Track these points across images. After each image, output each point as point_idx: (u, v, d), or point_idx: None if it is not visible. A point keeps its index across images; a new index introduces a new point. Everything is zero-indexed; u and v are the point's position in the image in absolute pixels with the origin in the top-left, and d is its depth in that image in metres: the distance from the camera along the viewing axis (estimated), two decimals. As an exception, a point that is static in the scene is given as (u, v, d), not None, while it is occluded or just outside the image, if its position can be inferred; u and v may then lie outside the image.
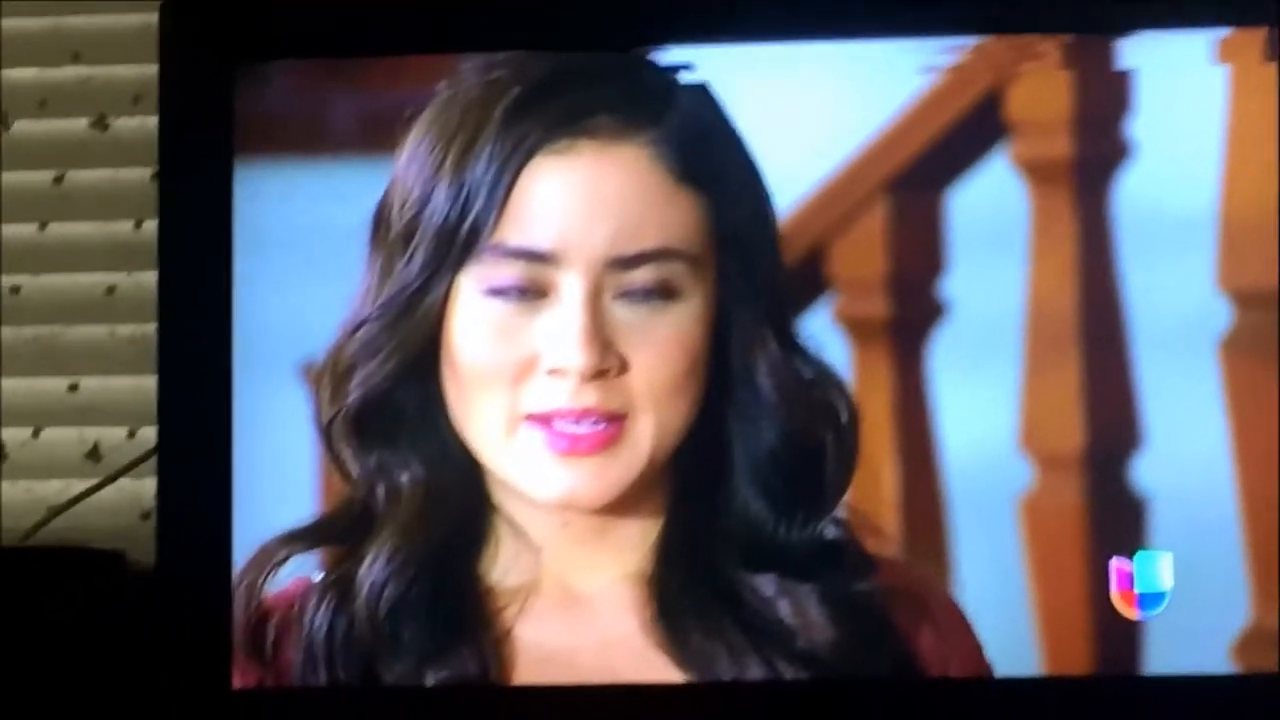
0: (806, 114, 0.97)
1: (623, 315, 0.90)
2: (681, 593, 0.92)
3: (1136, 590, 0.95)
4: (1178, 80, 0.96)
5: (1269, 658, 0.92)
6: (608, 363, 0.90)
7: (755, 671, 0.91)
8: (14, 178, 1.31)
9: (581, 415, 0.90)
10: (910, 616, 0.93)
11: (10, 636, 0.98)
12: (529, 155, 0.91)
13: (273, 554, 0.95)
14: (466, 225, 0.90)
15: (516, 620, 0.93)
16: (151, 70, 1.00)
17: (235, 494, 0.97)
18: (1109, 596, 0.95)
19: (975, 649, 0.94)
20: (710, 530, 0.93)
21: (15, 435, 1.28)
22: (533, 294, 0.90)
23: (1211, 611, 0.93)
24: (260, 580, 0.95)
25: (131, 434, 1.25)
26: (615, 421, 0.90)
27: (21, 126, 1.32)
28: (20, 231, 1.31)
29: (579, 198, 0.91)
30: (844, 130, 0.97)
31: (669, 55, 0.96)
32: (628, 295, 0.90)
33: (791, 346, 0.94)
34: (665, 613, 0.92)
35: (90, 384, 1.28)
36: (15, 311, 1.30)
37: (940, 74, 0.97)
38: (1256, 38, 0.95)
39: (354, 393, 0.92)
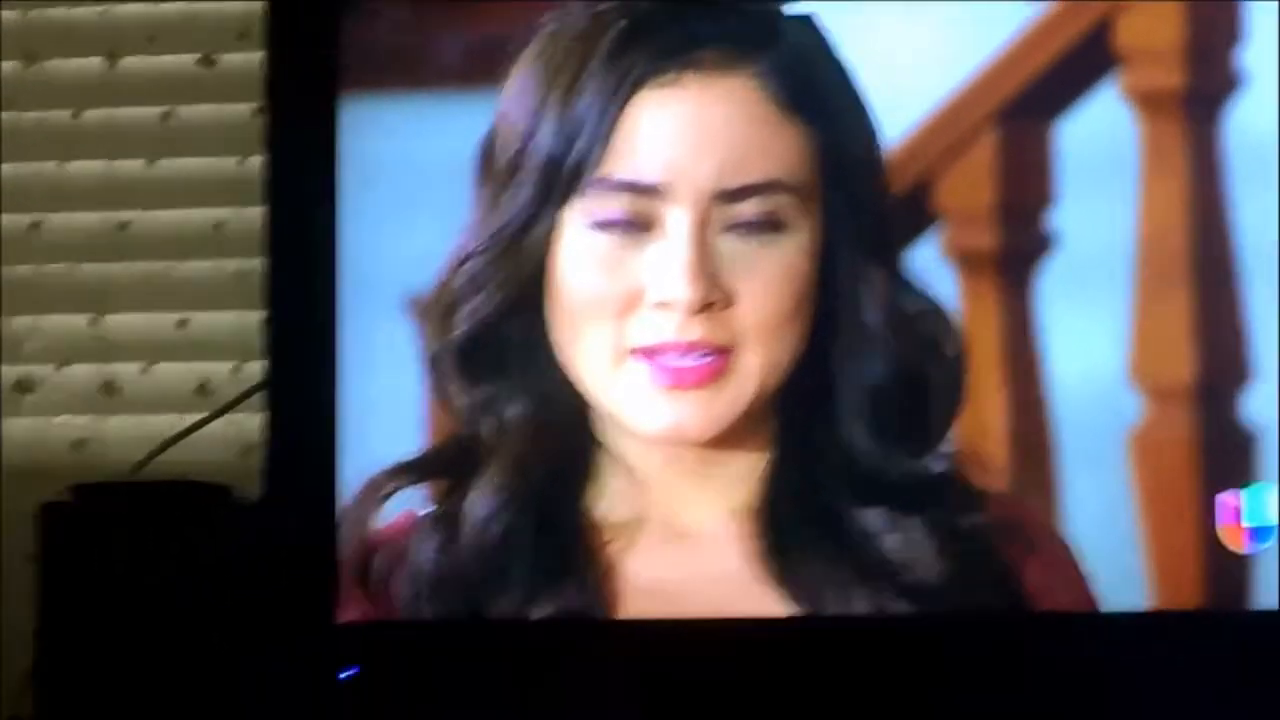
0: (913, 44, 0.96)
1: (729, 248, 0.90)
2: (789, 527, 0.92)
3: (1245, 524, 0.94)
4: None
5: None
6: (714, 296, 0.89)
7: (862, 605, 0.91)
8: (123, 114, 1.33)
9: (688, 349, 0.90)
10: (1018, 550, 0.93)
11: (119, 567, 0.99)
12: (635, 88, 0.90)
13: (380, 487, 0.95)
14: (572, 158, 0.90)
15: (623, 554, 0.94)
16: (257, 6, 1.00)
17: (341, 428, 0.98)
18: (1216, 531, 0.94)
19: (1081, 583, 0.93)
20: (817, 464, 0.93)
21: (126, 370, 1.30)
22: (638, 227, 0.90)
23: (1323, 546, 0.92)
24: (367, 514, 0.96)
25: (236, 369, 1.26)
26: (722, 355, 0.90)
27: (129, 63, 1.34)
28: (129, 167, 1.33)
29: (685, 130, 0.91)
30: (952, 60, 0.96)
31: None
32: (734, 228, 0.90)
33: (899, 280, 0.93)
34: (773, 547, 0.92)
35: (199, 319, 1.30)
36: (125, 247, 1.32)
37: (1049, 3, 0.96)
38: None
39: (460, 326, 0.93)
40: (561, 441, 0.94)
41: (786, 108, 0.91)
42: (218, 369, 1.28)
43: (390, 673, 0.98)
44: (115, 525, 0.99)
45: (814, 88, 0.92)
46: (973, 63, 0.96)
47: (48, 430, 1.33)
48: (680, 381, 0.90)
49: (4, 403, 1.32)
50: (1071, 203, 0.95)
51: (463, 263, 0.93)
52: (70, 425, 1.32)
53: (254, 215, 1.15)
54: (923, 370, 0.93)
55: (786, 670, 0.96)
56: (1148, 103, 0.95)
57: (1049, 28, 0.96)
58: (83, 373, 1.32)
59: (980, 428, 0.95)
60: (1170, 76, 0.95)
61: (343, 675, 0.97)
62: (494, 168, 0.93)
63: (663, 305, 0.89)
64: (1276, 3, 0.94)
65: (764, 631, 0.94)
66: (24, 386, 1.33)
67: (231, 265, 1.29)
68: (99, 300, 1.33)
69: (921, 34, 0.96)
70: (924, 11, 0.96)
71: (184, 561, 1.00)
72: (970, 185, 0.95)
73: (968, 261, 0.95)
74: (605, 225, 0.90)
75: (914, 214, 0.95)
